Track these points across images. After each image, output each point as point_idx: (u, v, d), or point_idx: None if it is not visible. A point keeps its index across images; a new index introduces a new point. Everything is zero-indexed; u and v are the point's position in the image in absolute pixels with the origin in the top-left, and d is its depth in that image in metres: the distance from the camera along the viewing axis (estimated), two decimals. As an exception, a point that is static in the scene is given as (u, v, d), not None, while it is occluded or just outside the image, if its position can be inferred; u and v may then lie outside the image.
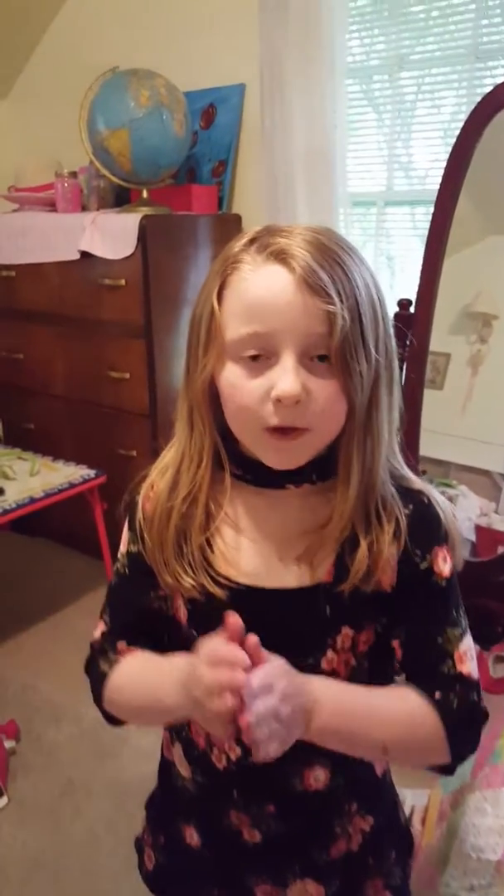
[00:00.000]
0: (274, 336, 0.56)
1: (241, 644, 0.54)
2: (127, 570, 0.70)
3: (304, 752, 0.61)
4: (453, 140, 1.80)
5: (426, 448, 2.10)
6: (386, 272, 2.24)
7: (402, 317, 1.87)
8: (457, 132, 1.79)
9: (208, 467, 0.63)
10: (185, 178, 2.35)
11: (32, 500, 1.84)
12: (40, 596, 2.29)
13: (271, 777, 0.65)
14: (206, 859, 0.74)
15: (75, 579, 2.35)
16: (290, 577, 0.63)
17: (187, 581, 0.63)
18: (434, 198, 1.85)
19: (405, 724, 0.61)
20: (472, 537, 2.06)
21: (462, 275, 1.99)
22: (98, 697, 0.69)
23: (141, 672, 0.66)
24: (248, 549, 0.65)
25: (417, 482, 0.67)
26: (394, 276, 2.24)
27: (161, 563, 0.65)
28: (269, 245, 0.56)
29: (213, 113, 2.32)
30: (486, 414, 2.09)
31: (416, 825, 1.24)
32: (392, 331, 0.61)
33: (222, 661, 0.52)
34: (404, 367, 1.92)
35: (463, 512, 2.06)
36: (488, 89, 1.73)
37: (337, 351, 0.55)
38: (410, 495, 0.65)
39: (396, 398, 0.63)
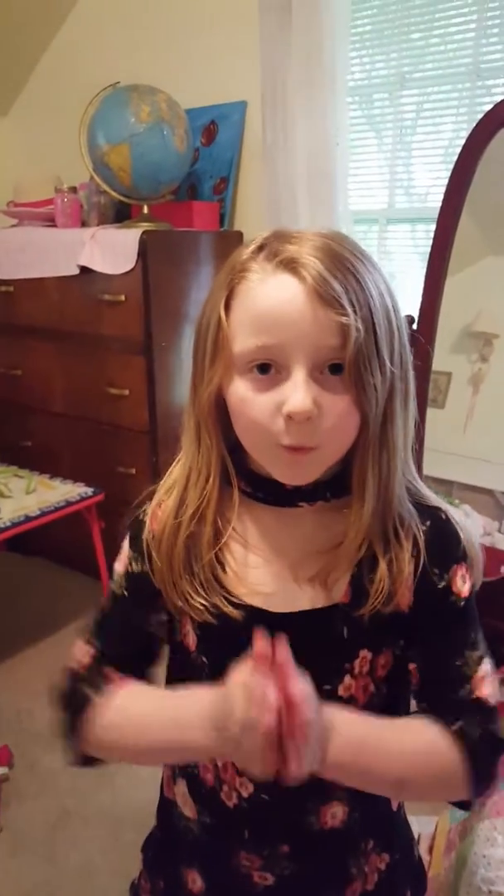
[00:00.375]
0: (284, 349, 0.54)
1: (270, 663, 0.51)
2: (126, 592, 0.67)
3: (322, 787, 0.59)
4: (454, 159, 1.82)
5: (429, 467, 2.10)
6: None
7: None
8: (457, 151, 1.81)
9: (216, 483, 0.61)
10: (187, 194, 2.36)
11: (28, 519, 1.83)
12: (36, 617, 2.26)
13: (286, 814, 0.63)
14: None
15: (72, 600, 2.32)
16: (304, 598, 0.61)
17: (198, 602, 0.61)
18: (435, 216, 1.87)
19: (424, 756, 0.58)
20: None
21: (463, 294, 2.00)
22: (72, 731, 0.63)
23: (152, 708, 0.61)
24: (259, 569, 0.63)
25: (434, 498, 0.65)
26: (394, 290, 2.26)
27: (170, 584, 0.63)
28: (278, 253, 0.54)
29: (215, 130, 2.34)
30: (487, 433, 2.10)
31: (423, 854, 1.22)
32: (407, 340, 0.59)
33: (258, 699, 0.50)
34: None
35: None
36: (488, 108, 1.76)
37: (351, 364, 0.53)
38: (428, 511, 0.63)
39: (412, 410, 0.61)
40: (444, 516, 0.63)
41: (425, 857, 1.12)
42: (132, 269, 2.00)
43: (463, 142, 1.80)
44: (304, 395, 0.53)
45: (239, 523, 0.63)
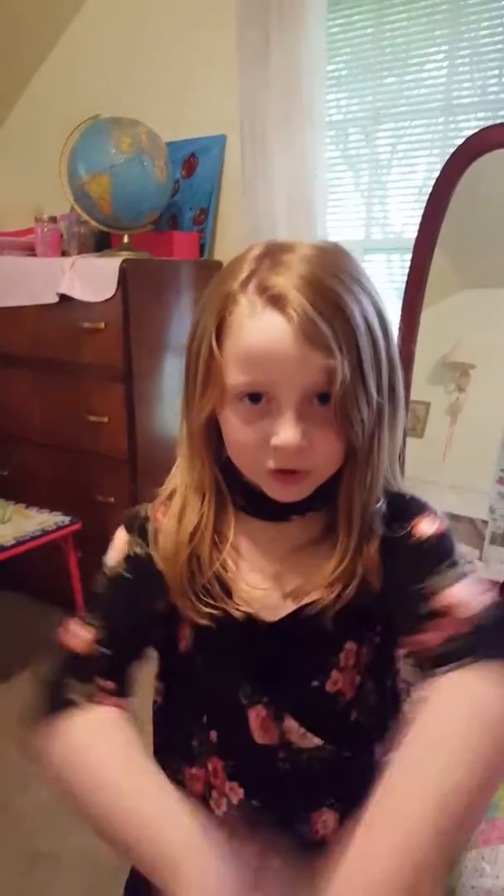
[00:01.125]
0: (273, 386, 0.56)
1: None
2: (127, 573, 0.65)
3: (312, 795, 0.59)
4: (428, 194, 1.88)
5: (409, 495, 2.13)
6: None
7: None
8: (430, 188, 1.88)
9: (212, 501, 0.63)
10: (167, 225, 2.41)
11: (3, 549, 1.80)
12: (10, 652, 2.21)
13: (276, 824, 0.61)
14: None
15: (47, 634, 2.27)
16: (289, 600, 0.63)
17: (202, 608, 0.61)
18: (411, 247, 1.92)
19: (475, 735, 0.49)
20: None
21: (440, 325, 2.05)
22: (38, 722, 0.59)
23: (126, 772, 0.55)
24: (250, 576, 0.64)
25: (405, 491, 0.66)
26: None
27: (177, 592, 0.63)
28: (266, 287, 0.55)
29: (195, 162, 2.39)
30: (466, 462, 2.13)
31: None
32: (398, 358, 0.61)
33: None
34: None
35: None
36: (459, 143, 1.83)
37: (337, 401, 0.55)
38: (391, 495, 0.64)
39: (400, 425, 0.63)
40: (406, 496, 0.65)
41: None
42: (112, 297, 2.02)
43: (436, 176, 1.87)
44: (294, 431, 0.55)
45: (235, 537, 0.64)
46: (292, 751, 0.62)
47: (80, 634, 0.63)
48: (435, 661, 0.55)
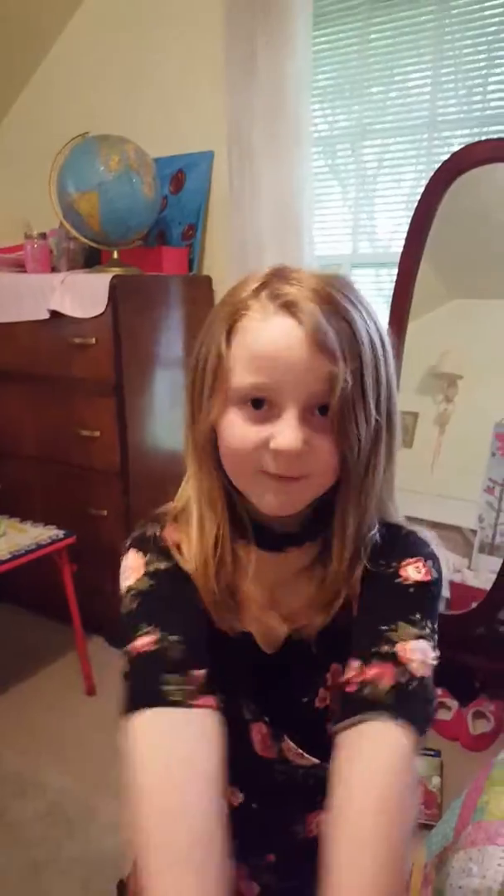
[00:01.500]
0: (279, 389, 0.57)
1: None
2: (155, 587, 0.64)
3: (310, 796, 0.62)
4: (414, 207, 1.93)
5: (399, 506, 2.16)
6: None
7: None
8: (417, 201, 1.93)
9: (225, 512, 0.64)
10: (156, 240, 2.45)
11: (1, 562, 1.84)
12: (5, 664, 2.24)
13: (273, 824, 0.66)
14: None
15: (42, 646, 2.32)
16: (284, 627, 0.66)
17: (220, 620, 0.64)
18: (397, 261, 1.97)
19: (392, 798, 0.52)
20: (448, 594, 2.10)
21: (428, 336, 2.10)
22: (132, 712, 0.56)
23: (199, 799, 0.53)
24: (254, 599, 0.67)
25: (404, 525, 0.69)
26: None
27: (209, 596, 0.64)
28: (279, 295, 0.57)
29: (183, 178, 2.44)
30: (454, 471, 2.17)
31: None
32: (396, 390, 0.62)
33: None
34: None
35: (436, 568, 2.11)
36: (445, 158, 1.88)
37: (335, 411, 0.57)
38: (388, 526, 0.67)
39: (396, 453, 0.65)
40: (403, 530, 0.67)
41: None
42: (102, 313, 2.06)
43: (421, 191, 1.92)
44: (296, 435, 0.56)
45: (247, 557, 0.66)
46: (290, 766, 0.66)
47: (142, 640, 0.60)
48: (356, 700, 0.57)
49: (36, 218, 2.53)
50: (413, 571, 0.64)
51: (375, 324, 0.60)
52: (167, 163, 2.41)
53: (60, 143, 2.17)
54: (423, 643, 0.60)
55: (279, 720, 0.67)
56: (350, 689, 0.58)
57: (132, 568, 0.66)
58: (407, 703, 0.56)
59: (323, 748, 0.62)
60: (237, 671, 0.63)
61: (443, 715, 1.95)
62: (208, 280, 2.42)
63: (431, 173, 1.91)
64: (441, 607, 0.67)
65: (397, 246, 2.02)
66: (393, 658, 0.58)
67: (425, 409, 2.20)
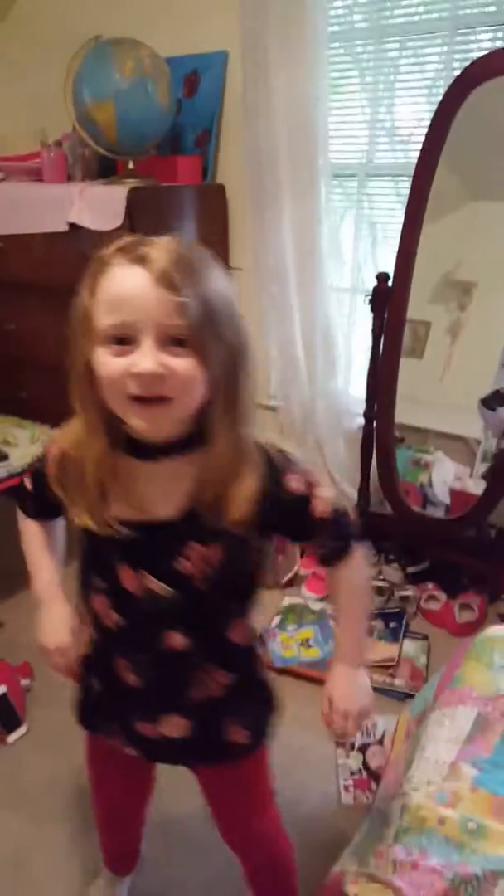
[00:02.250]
0: (134, 325, 0.71)
1: None
2: (36, 478, 0.98)
3: (164, 620, 0.88)
4: (435, 105, 1.89)
5: (406, 416, 2.27)
6: (367, 242, 2.38)
7: (380, 291, 2.03)
8: (438, 97, 1.89)
9: (100, 435, 0.81)
10: (169, 147, 2.46)
11: (37, 465, 2.03)
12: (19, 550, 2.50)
13: (140, 636, 0.92)
14: (105, 703, 1.02)
15: (73, 539, 2.54)
16: (160, 514, 0.85)
17: (84, 519, 0.86)
18: (414, 170, 1.97)
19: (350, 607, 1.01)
20: (447, 500, 2.26)
21: (443, 243, 2.10)
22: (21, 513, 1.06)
23: (31, 548, 1.08)
24: (127, 500, 0.85)
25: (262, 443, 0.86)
26: (375, 246, 2.39)
27: (63, 497, 0.88)
28: (134, 251, 0.72)
29: (196, 80, 2.42)
30: (464, 381, 2.24)
31: (386, 746, 1.47)
32: (244, 330, 0.78)
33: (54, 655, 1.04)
34: (382, 339, 2.09)
35: (439, 476, 2.26)
36: (468, 55, 1.84)
37: (190, 332, 0.71)
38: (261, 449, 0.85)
39: (251, 379, 0.80)
40: (268, 452, 0.86)
41: (388, 747, 1.37)
42: (120, 226, 2.13)
43: (443, 89, 1.88)
44: (151, 359, 0.71)
45: (117, 466, 0.84)
46: (151, 596, 0.88)
47: (28, 486, 1.01)
48: (323, 559, 0.96)
49: (47, 122, 2.54)
50: (294, 483, 0.86)
51: (222, 277, 0.76)
52: (180, 63, 2.38)
53: (69, 46, 2.15)
54: (319, 497, 0.88)
55: (143, 567, 0.88)
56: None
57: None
58: (346, 529, 0.93)
59: (176, 586, 0.86)
60: (106, 545, 0.86)
61: (432, 605, 2.18)
62: (222, 189, 2.46)
63: (452, 68, 1.88)
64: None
65: (415, 151, 1.98)
66: (317, 526, 0.90)
67: (438, 318, 2.24)
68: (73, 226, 2.23)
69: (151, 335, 0.72)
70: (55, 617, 1.06)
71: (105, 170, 2.46)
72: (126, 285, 0.72)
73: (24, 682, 1.85)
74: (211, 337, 0.73)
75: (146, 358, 0.71)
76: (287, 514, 0.87)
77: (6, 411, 2.53)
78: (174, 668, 0.93)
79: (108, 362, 0.74)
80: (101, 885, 1.34)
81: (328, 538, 0.93)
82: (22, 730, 1.75)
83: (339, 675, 1.01)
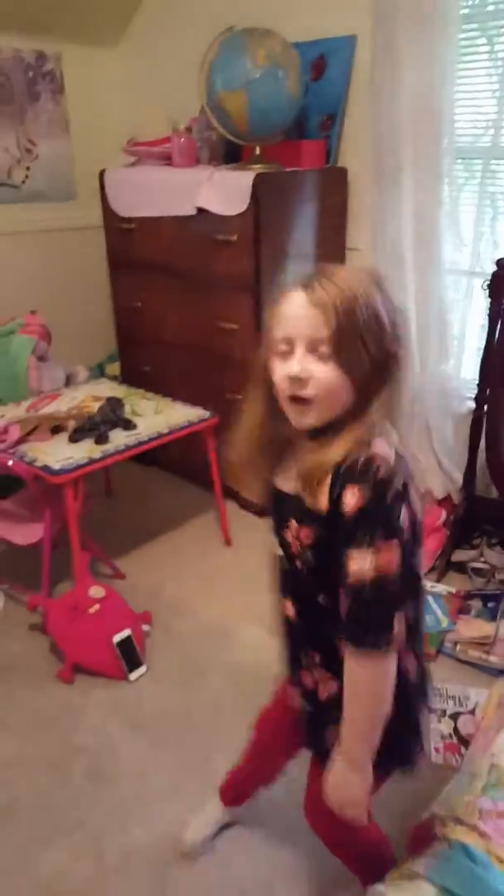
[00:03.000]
0: (291, 337, 0.90)
1: None
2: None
3: (286, 585, 1.05)
4: None
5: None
6: (489, 224, 2.40)
7: (499, 277, 2.07)
8: None
9: (267, 419, 0.99)
10: (294, 131, 2.55)
11: (161, 435, 2.24)
12: (160, 516, 2.79)
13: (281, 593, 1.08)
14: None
15: (187, 503, 2.86)
16: (285, 487, 1.01)
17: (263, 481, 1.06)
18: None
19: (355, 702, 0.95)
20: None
21: None
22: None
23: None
24: (280, 471, 1.03)
25: (377, 444, 0.91)
26: (497, 228, 2.39)
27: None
28: (307, 279, 0.89)
29: (323, 65, 2.49)
30: None
31: (478, 716, 1.59)
32: (394, 347, 0.89)
33: None
34: (498, 324, 2.13)
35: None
36: None
37: (333, 344, 0.86)
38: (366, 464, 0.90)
39: (398, 387, 0.91)
40: (363, 456, 0.88)
41: (480, 717, 1.49)
42: (245, 210, 2.27)
43: None
44: (299, 364, 0.89)
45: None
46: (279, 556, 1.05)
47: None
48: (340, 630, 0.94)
49: (175, 105, 2.68)
50: (349, 497, 0.87)
51: (380, 298, 0.89)
52: (308, 48, 2.45)
53: (200, 32, 2.24)
54: (354, 549, 0.88)
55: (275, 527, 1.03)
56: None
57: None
58: (357, 624, 0.90)
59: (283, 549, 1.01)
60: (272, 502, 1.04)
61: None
62: (343, 172, 2.54)
63: None
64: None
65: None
66: (344, 581, 0.90)
67: None
68: (199, 210, 2.38)
69: (303, 346, 0.89)
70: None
71: (230, 153, 2.59)
72: (291, 305, 0.90)
73: (145, 627, 2.10)
74: (352, 350, 0.87)
75: (294, 363, 0.90)
76: (335, 528, 0.91)
77: (129, 382, 2.77)
78: (290, 637, 1.08)
79: (275, 367, 0.93)
80: (208, 807, 1.54)
81: (347, 604, 0.90)
82: (142, 669, 1.99)
83: (333, 766, 0.99)
